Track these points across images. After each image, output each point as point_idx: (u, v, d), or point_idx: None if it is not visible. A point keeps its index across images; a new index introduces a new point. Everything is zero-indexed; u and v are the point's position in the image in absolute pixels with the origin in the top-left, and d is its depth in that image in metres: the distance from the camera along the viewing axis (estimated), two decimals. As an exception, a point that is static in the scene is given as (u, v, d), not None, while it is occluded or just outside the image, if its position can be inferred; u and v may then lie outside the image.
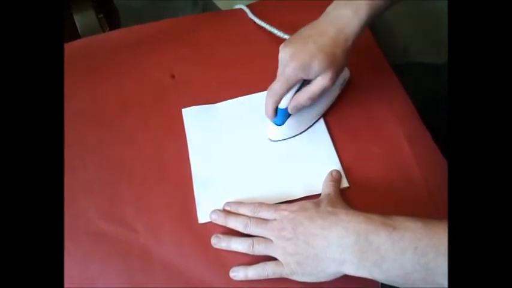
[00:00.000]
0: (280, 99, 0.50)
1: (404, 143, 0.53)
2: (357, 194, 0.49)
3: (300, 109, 0.50)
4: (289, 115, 0.51)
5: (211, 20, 0.69)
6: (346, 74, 0.56)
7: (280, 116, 0.51)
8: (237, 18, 0.67)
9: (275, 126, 0.52)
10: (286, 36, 0.61)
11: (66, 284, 0.42)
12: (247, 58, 0.62)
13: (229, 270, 0.45)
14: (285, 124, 0.52)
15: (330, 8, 0.49)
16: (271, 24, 0.64)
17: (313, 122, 0.54)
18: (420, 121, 0.55)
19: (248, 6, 0.68)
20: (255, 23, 0.65)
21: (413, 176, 0.50)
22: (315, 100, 0.49)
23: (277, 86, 0.49)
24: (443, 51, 0.37)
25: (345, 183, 0.50)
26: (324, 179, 0.50)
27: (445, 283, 0.33)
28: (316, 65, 0.46)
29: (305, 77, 0.48)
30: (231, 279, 0.44)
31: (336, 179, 0.49)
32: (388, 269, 0.37)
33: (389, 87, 0.59)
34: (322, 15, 0.49)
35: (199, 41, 0.65)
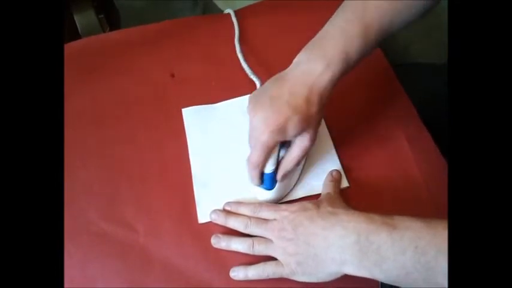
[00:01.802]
0: (263, 167, 0.46)
1: (404, 143, 0.53)
2: (357, 194, 0.49)
3: (288, 174, 0.48)
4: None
5: (211, 21, 0.69)
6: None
7: (268, 180, 0.48)
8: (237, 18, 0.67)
9: (265, 191, 0.49)
10: (252, 77, 0.58)
11: (66, 284, 0.42)
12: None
13: (229, 270, 0.45)
14: (275, 187, 0.48)
15: (300, 58, 0.46)
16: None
17: (298, 175, 0.51)
18: (420, 121, 0.55)
19: (243, 9, 0.68)
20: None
21: (413, 176, 0.51)
22: (300, 162, 0.47)
23: (256, 156, 0.45)
24: (444, 52, 0.37)
25: (345, 183, 0.50)
26: (324, 179, 0.50)
27: (446, 282, 0.33)
28: (292, 128, 0.43)
29: (282, 140, 0.45)
30: (231, 279, 0.44)
31: (336, 179, 0.49)
32: (388, 268, 0.37)
33: (389, 87, 0.59)
34: (292, 66, 0.46)
35: (199, 41, 0.65)
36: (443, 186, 0.45)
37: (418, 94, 0.58)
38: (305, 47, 0.46)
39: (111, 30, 0.78)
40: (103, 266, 0.46)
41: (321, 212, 0.42)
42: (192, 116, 0.57)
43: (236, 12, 0.68)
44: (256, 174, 0.47)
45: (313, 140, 0.46)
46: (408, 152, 0.52)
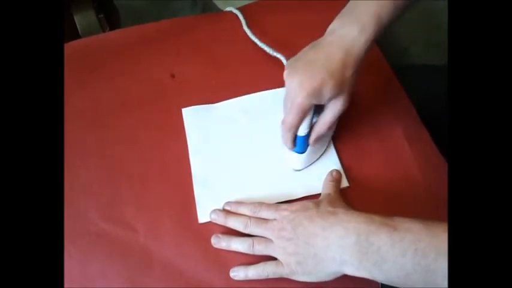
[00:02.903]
0: (297, 129, 0.48)
1: (404, 143, 0.53)
2: (357, 193, 0.49)
3: (321, 138, 0.49)
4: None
5: (211, 20, 0.69)
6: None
7: (301, 143, 0.49)
8: (237, 18, 0.67)
9: (297, 155, 0.50)
10: (275, 54, 0.59)
11: (66, 284, 0.42)
12: (247, 58, 0.62)
13: (229, 270, 0.45)
14: (307, 151, 0.50)
15: (334, 26, 0.47)
16: (266, 29, 0.63)
17: (327, 142, 0.53)
18: (420, 121, 0.55)
19: (243, 7, 0.68)
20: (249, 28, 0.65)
21: (413, 176, 0.51)
22: (333, 126, 0.49)
23: (291, 118, 0.47)
24: (444, 52, 0.37)
25: (345, 183, 0.50)
26: (324, 179, 0.50)
27: (446, 284, 0.33)
28: (328, 92, 0.45)
29: (317, 103, 0.46)
30: (231, 279, 0.44)
31: (336, 178, 0.49)
32: (388, 269, 0.37)
33: (389, 87, 0.59)
34: (327, 33, 0.47)
35: (199, 41, 0.65)
36: (443, 186, 0.45)
37: (418, 94, 0.58)
38: (338, 15, 0.47)
39: (111, 30, 0.78)
40: (103, 266, 0.46)
41: (320, 212, 0.42)
42: (192, 116, 0.57)
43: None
44: (289, 136, 0.49)
45: (347, 104, 0.47)
46: (408, 152, 0.52)
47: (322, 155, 0.52)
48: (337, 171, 0.50)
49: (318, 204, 0.43)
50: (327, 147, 0.53)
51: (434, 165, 0.51)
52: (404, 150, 0.52)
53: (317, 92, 0.45)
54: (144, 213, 0.49)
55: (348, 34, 0.45)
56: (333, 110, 0.47)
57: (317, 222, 0.41)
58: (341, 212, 0.41)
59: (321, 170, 0.51)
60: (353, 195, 0.49)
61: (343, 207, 0.43)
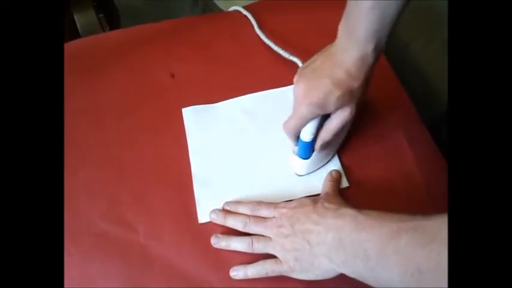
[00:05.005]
0: (297, 134, 0.48)
1: (404, 143, 0.53)
2: (357, 193, 0.49)
3: (327, 145, 0.49)
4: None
5: (211, 20, 0.69)
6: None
7: (305, 149, 0.48)
8: (237, 18, 0.67)
9: (301, 160, 0.50)
10: (291, 58, 0.58)
11: (66, 284, 0.42)
12: (247, 58, 0.62)
13: (229, 270, 0.44)
14: (311, 157, 0.49)
15: (341, 31, 0.45)
16: (273, 29, 0.63)
17: (337, 148, 0.52)
18: (420, 121, 0.55)
19: (247, 7, 0.68)
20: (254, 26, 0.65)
21: (413, 176, 0.50)
22: (342, 134, 0.48)
23: (291, 123, 0.47)
24: (444, 50, 0.37)
25: (345, 183, 0.50)
26: (324, 178, 0.50)
27: (439, 284, 0.33)
28: (332, 102, 0.44)
29: (322, 113, 0.46)
30: (231, 279, 0.44)
31: (335, 178, 0.49)
32: (373, 267, 0.36)
33: (389, 87, 0.59)
34: (336, 41, 0.46)
35: (199, 41, 0.65)
36: (443, 186, 0.45)
37: (419, 94, 0.58)
38: (343, 19, 0.45)
39: (111, 29, 0.78)
40: (103, 266, 0.46)
41: (317, 208, 0.42)
42: (192, 116, 0.57)
43: (236, 12, 0.68)
44: (291, 138, 0.49)
45: (353, 114, 0.46)
46: (408, 152, 0.52)
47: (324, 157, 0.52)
48: (337, 171, 0.50)
49: (315, 201, 0.43)
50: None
51: (434, 165, 0.51)
52: (404, 150, 0.52)
53: (321, 103, 0.44)
54: (144, 213, 0.49)
55: (353, 44, 0.44)
56: (339, 118, 0.46)
57: (312, 218, 0.41)
58: (333, 208, 0.41)
59: (321, 171, 0.51)
60: (353, 195, 0.49)
61: (337, 203, 0.43)
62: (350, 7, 0.44)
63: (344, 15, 0.45)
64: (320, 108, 0.45)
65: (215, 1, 0.87)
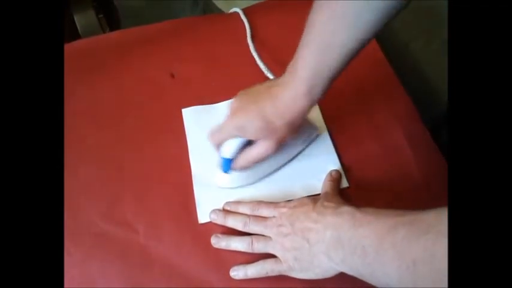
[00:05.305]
0: (219, 145, 0.48)
1: (404, 143, 0.53)
2: (357, 193, 0.49)
3: (246, 169, 0.49)
4: None
5: (211, 21, 0.69)
6: (313, 131, 0.53)
7: (224, 164, 0.49)
8: (237, 19, 0.67)
9: (221, 172, 0.50)
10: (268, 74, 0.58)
11: (66, 284, 0.42)
12: (247, 58, 0.62)
13: (229, 270, 0.44)
14: (233, 173, 0.49)
15: (286, 71, 0.45)
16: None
17: (268, 173, 0.51)
18: (420, 121, 0.55)
19: (248, 9, 0.68)
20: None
21: (413, 176, 0.50)
22: (259, 162, 0.48)
23: (215, 134, 0.48)
24: (444, 50, 0.37)
25: (344, 183, 0.50)
26: (323, 179, 0.50)
27: (431, 283, 0.32)
28: (250, 131, 0.45)
29: (242, 137, 0.46)
30: (231, 279, 0.44)
31: (335, 178, 0.49)
32: (370, 263, 0.36)
33: (389, 86, 0.59)
34: (281, 76, 0.45)
35: (200, 41, 0.65)
36: (443, 186, 0.45)
37: (419, 94, 0.58)
38: (297, 52, 0.44)
39: (111, 30, 0.78)
40: (103, 266, 0.46)
41: (316, 207, 0.42)
42: (192, 116, 0.57)
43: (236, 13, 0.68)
44: (214, 147, 0.49)
45: (272, 151, 0.46)
46: (408, 152, 0.52)
47: (321, 155, 0.52)
48: (337, 171, 0.50)
49: (315, 201, 0.43)
50: (326, 147, 0.53)
51: (434, 165, 0.51)
52: (404, 150, 0.52)
53: (241, 128, 0.45)
54: (144, 213, 0.49)
55: (288, 85, 0.44)
56: (257, 150, 0.46)
57: (312, 217, 0.41)
58: (332, 206, 0.41)
59: (321, 170, 0.51)
60: (353, 195, 0.49)
61: (337, 202, 0.43)
62: (300, 42, 0.44)
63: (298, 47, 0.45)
64: (239, 132, 0.46)
65: (215, 1, 0.87)
